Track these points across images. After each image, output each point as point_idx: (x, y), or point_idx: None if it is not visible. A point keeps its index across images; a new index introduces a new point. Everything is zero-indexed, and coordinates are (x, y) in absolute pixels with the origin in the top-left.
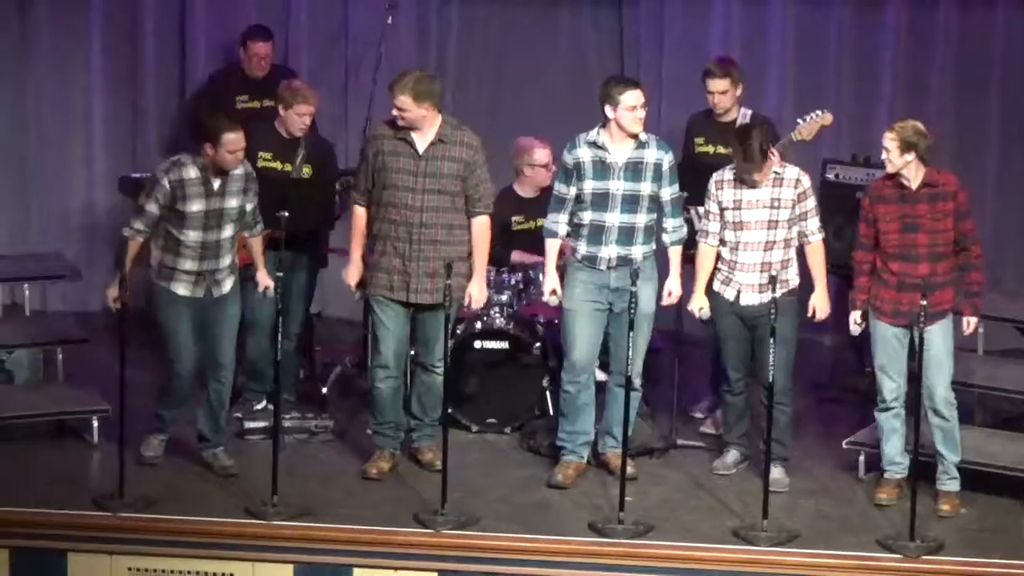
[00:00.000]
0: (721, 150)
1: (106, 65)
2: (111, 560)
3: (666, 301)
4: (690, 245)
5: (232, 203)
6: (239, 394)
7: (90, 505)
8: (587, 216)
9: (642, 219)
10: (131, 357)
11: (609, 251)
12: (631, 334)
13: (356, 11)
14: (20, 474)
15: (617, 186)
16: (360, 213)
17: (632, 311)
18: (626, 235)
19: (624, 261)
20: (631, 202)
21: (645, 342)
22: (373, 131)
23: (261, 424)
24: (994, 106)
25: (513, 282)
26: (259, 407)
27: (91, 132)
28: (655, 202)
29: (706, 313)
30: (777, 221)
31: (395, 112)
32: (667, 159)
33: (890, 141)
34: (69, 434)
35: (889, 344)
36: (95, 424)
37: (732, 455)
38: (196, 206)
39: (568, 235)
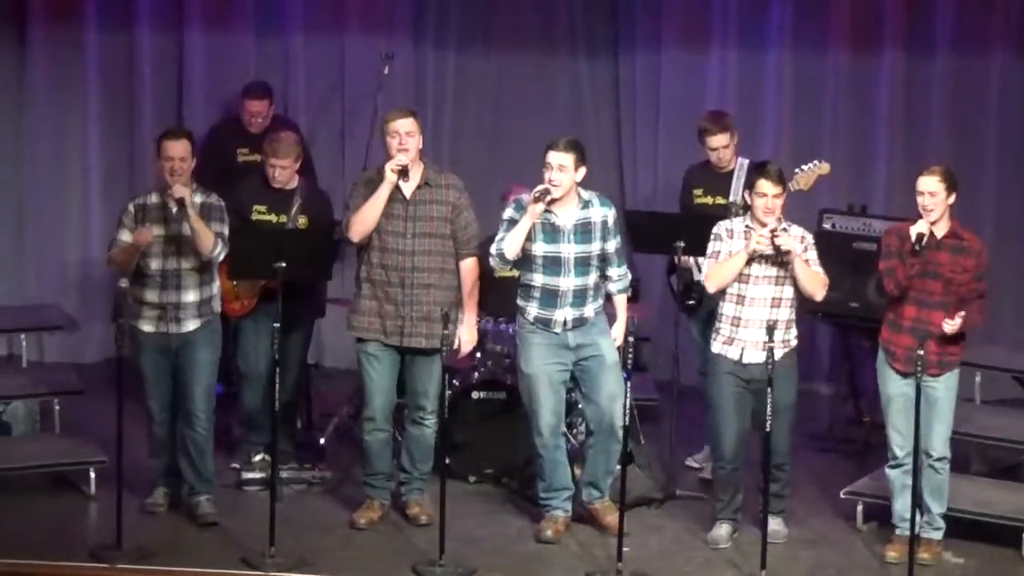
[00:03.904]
0: (720, 200)
1: (103, 117)
2: None
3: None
4: (688, 295)
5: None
6: (237, 445)
7: (87, 557)
8: (538, 279)
9: (592, 279)
10: (128, 408)
11: (564, 314)
12: (602, 383)
13: (353, 62)
14: (17, 526)
15: (569, 249)
16: None
17: (598, 359)
18: (579, 296)
19: (579, 321)
20: (584, 264)
21: (619, 389)
22: (362, 177)
23: (258, 475)
24: (991, 154)
25: (510, 332)
26: (256, 458)
27: (88, 184)
28: (601, 259)
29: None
30: (785, 277)
31: (398, 142)
32: (611, 214)
33: (936, 183)
34: (66, 485)
35: (900, 401)
36: (92, 475)
37: (726, 528)
38: (154, 231)
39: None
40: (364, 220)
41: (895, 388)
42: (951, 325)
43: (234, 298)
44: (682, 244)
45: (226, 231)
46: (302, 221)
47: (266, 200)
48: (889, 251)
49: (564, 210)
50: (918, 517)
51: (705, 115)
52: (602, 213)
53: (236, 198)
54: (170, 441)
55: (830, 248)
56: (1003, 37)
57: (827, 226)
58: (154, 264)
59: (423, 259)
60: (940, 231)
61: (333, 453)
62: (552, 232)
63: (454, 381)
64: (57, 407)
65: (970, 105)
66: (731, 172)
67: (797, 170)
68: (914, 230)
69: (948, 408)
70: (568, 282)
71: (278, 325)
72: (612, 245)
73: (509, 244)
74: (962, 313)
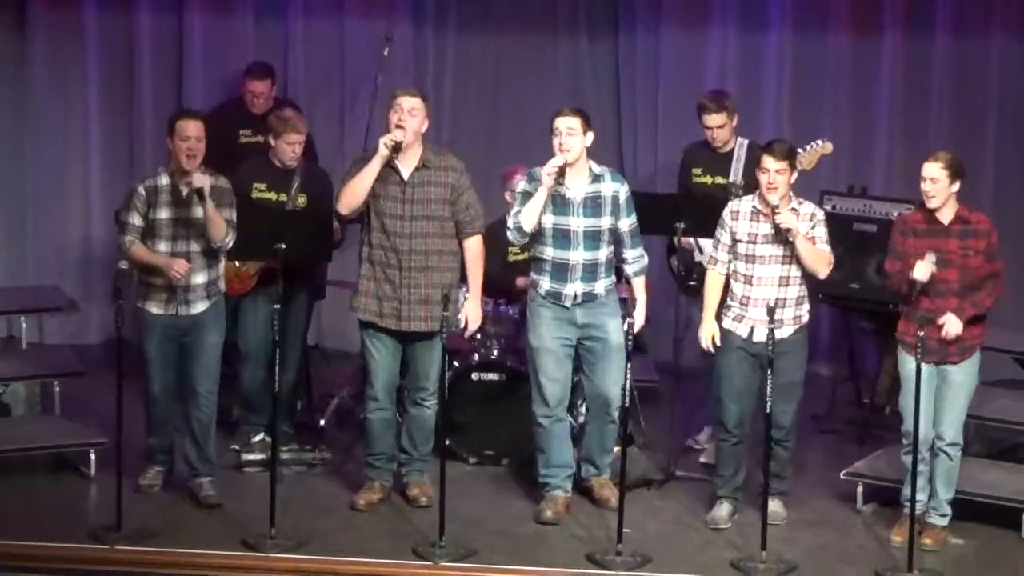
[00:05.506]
0: (719, 180)
1: (103, 99)
2: None
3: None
4: (689, 276)
5: (200, 213)
6: (236, 426)
7: (87, 538)
8: (549, 252)
9: (603, 254)
10: (128, 389)
11: (574, 288)
12: (604, 365)
13: (353, 43)
14: (17, 507)
15: (578, 223)
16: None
17: (602, 341)
18: (589, 271)
19: (588, 297)
20: (593, 238)
21: (620, 373)
22: (358, 157)
23: (258, 456)
24: (991, 135)
25: (510, 313)
26: (256, 439)
27: (88, 166)
28: (613, 234)
29: (717, 341)
30: (791, 256)
31: (397, 117)
32: (623, 190)
33: (939, 170)
34: (66, 467)
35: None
36: (92, 456)
37: (726, 508)
38: (164, 213)
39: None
40: (352, 193)
41: (911, 373)
42: (953, 326)
43: (234, 278)
44: (682, 225)
45: (235, 217)
46: (301, 200)
47: (266, 178)
48: (895, 252)
49: (574, 182)
50: (924, 500)
51: (707, 92)
52: (613, 188)
53: (236, 176)
54: (168, 421)
55: (830, 229)
56: (1003, 18)
57: (827, 207)
58: (163, 247)
59: (421, 242)
60: (946, 218)
61: (333, 434)
62: (562, 204)
63: (454, 363)
64: (57, 388)
65: (970, 86)
66: (731, 152)
67: (800, 150)
68: (914, 275)
69: (964, 394)
70: (577, 255)
71: (278, 306)
72: (625, 224)
73: (527, 216)
74: (950, 316)
